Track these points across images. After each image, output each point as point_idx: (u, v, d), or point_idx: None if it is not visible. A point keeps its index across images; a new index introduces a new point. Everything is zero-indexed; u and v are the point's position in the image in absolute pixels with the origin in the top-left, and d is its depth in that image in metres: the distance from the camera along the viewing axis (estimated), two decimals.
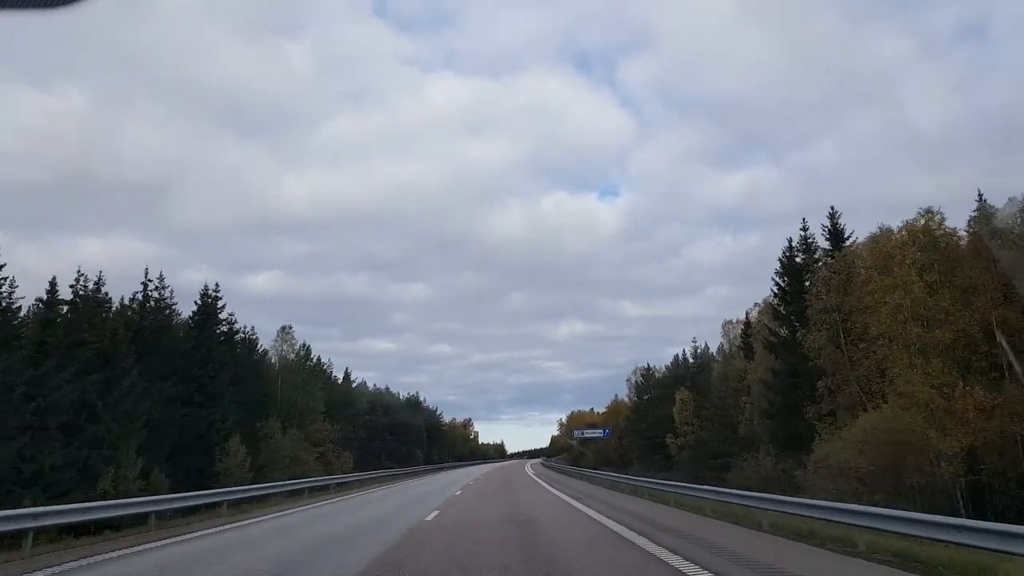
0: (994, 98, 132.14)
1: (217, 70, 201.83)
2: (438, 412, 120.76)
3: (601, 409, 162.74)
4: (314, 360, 52.21)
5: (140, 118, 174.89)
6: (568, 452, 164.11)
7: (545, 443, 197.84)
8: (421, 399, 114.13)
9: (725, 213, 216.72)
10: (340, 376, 74.17)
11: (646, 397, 72.41)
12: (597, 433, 63.05)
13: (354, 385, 79.98)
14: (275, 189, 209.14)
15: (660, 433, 64.43)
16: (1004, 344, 21.61)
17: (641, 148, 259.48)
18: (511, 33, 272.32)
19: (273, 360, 50.71)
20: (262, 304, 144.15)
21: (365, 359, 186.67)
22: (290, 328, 51.76)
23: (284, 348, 50.86)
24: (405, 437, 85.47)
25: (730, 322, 49.01)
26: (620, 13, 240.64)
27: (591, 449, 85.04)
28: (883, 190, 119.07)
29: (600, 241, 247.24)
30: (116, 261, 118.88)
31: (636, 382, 74.49)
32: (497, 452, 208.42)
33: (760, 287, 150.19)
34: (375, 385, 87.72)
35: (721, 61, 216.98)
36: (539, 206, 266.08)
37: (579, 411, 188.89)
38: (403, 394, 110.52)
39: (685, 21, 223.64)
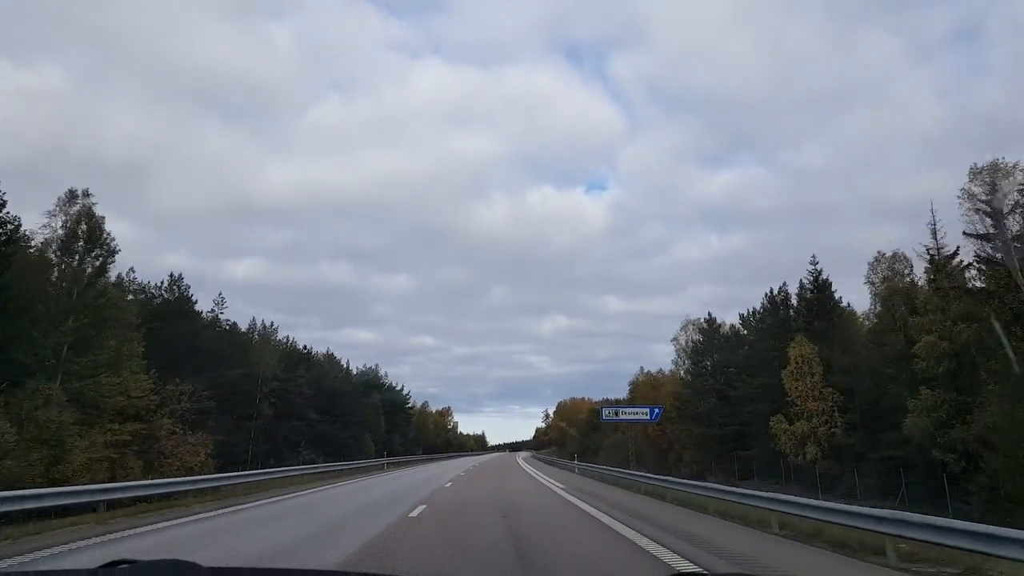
0: (983, 101, 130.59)
1: (199, 51, 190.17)
2: (404, 392, 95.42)
3: (596, 398, 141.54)
4: (109, 246, 26.20)
5: (119, 98, 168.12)
6: (559, 445, 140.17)
7: (527, 436, 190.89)
8: (381, 374, 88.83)
9: (711, 211, 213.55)
10: (241, 322, 48.81)
11: (707, 364, 47.46)
12: (640, 413, 38.06)
13: (275, 339, 54.48)
14: (257, 175, 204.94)
15: (743, 418, 39.67)
16: None
17: (630, 143, 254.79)
18: (502, 21, 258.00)
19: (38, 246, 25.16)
20: (242, 291, 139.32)
21: (346, 349, 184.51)
22: (85, 194, 25.90)
23: (61, 229, 25.13)
24: (348, 419, 60.09)
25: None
26: (612, 5, 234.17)
27: (615, 439, 60.20)
28: (871, 190, 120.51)
29: (586, 236, 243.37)
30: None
31: (689, 343, 49.52)
32: (478, 444, 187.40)
33: (743, 287, 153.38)
34: (308, 346, 61.90)
35: (712, 59, 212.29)
36: (525, 199, 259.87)
37: (573, 399, 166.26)
38: (356, 366, 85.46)
39: (677, 17, 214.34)
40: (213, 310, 44.32)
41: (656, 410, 39.48)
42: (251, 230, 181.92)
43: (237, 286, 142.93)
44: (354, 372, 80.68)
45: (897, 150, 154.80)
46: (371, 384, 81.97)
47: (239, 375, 40.05)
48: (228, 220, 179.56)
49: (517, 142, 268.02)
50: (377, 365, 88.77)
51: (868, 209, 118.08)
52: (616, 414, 39.86)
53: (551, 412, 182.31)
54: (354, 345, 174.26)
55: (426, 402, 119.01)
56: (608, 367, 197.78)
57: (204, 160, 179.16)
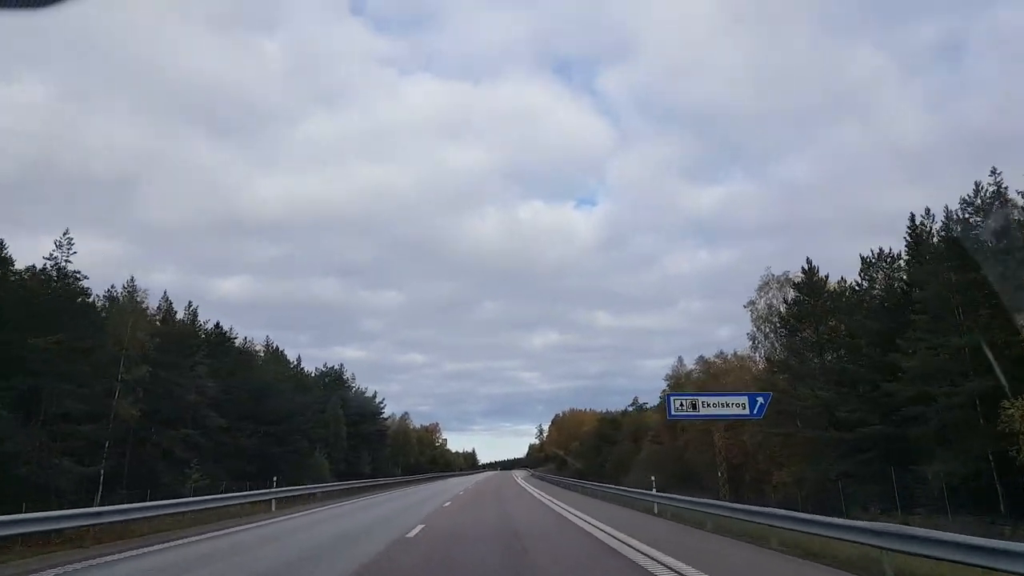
0: (969, 115, 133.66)
1: (187, 65, 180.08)
2: (378, 400, 78.74)
3: (598, 409, 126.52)
4: None
5: (107, 112, 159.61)
6: (559, 462, 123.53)
7: (519, 454, 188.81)
8: (347, 376, 72.19)
9: (701, 225, 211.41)
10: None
11: (807, 336, 31.62)
12: (734, 406, 22.16)
13: (189, 316, 38.17)
14: (246, 190, 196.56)
15: (904, 411, 23.75)
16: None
17: (619, 157, 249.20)
18: (491, 37, 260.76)
19: None
20: (229, 308, 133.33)
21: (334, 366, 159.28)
22: None
23: None
24: (287, 429, 43.46)
25: None
26: (601, 20, 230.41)
27: (651, 452, 44.11)
28: (860, 204, 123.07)
29: (576, 251, 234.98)
30: (78, 260, 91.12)
31: (776, 308, 33.65)
32: (467, 462, 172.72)
33: (733, 302, 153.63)
34: (225, 328, 45.11)
35: (701, 72, 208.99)
36: (515, 214, 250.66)
37: (573, 410, 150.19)
38: (316, 367, 69.24)
39: (666, 31, 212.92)
40: (53, 256, 28.03)
41: (760, 400, 23.52)
42: (239, 246, 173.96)
43: (224, 303, 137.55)
44: (311, 372, 64.39)
45: (884, 163, 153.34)
46: (331, 386, 65.62)
47: (61, 348, 23.70)
48: (216, 236, 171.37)
49: (507, 157, 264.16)
50: (342, 365, 72.29)
51: (856, 223, 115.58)
52: (693, 407, 23.74)
53: (545, 428, 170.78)
54: (343, 363, 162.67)
55: (406, 413, 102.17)
56: (599, 383, 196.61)
57: (192, 175, 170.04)
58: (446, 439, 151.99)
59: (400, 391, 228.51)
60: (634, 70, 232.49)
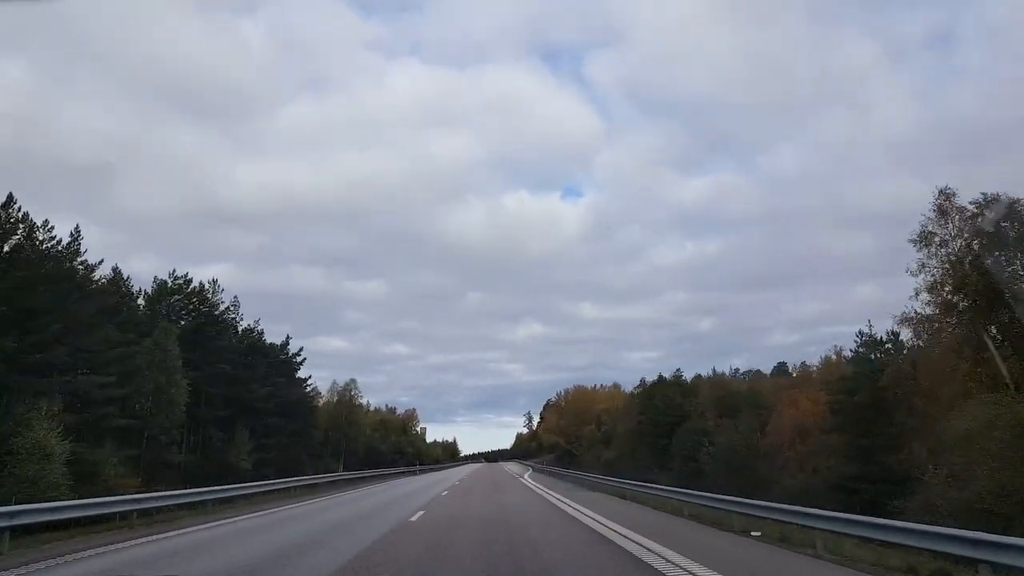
0: (958, 106, 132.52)
1: (167, 48, 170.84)
2: (294, 355, 47.63)
3: (605, 384, 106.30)
4: None
5: (84, 96, 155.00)
6: (562, 452, 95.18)
7: (504, 445, 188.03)
8: (222, 301, 40.52)
9: (687, 216, 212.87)
10: None
11: None
12: None
13: None
14: (228, 177, 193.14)
15: None
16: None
17: (606, 147, 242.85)
18: (478, 22, 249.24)
19: None
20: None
21: (318, 357, 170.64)
22: None
23: None
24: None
25: None
26: (589, 7, 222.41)
27: None
28: (845, 196, 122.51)
29: (562, 242, 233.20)
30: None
31: None
32: (447, 453, 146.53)
33: (718, 294, 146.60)
34: None
35: (689, 62, 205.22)
36: (501, 204, 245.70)
37: (578, 386, 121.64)
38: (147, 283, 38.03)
39: (654, 19, 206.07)
40: None
41: None
42: (221, 234, 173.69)
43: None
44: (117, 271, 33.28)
45: (872, 154, 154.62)
46: (175, 311, 34.67)
47: None
48: (197, 223, 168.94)
49: (493, 145, 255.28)
50: (215, 281, 40.45)
51: (842, 215, 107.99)
52: None
53: (535, 417, 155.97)
54: (326, 354, 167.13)
55: (352, 381, 70.70)
56: (584, 374, 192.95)
57: (173, 161, 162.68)
58: (425, 428, 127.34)
59: (385, 382, 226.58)
60: (622, 58, 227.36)
